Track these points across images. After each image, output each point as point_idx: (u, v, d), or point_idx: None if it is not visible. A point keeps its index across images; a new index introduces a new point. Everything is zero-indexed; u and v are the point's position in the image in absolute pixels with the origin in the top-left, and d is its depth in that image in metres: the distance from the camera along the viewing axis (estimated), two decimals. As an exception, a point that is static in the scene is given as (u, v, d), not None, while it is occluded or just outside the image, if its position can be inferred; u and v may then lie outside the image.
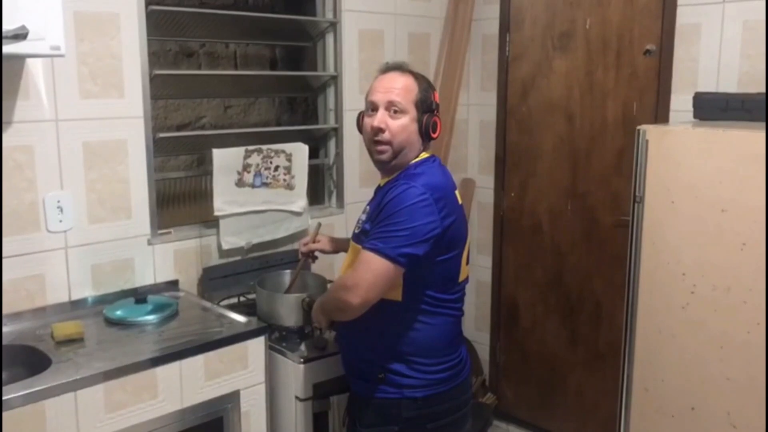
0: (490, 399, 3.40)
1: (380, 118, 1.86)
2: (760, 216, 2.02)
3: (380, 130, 1.85)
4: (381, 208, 1.80)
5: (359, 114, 1.98)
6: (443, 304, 1.89)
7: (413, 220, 1.74)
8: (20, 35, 1.75)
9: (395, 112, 1.85)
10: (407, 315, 1.86)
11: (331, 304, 1.91)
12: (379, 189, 1.98)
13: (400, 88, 1.86)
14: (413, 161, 1.90)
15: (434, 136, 1.91)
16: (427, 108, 1.89)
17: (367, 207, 1.95)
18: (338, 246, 2.36)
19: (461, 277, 1.93)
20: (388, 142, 1.86)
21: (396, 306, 1.85)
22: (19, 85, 2.09)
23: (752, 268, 2.05)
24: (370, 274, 1.74)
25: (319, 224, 2.43)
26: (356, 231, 1.93)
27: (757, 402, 2.08)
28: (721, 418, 2.16)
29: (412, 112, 1.87)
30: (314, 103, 3.08)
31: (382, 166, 1.93)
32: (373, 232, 1.79)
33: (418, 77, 1.92)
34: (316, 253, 2.39)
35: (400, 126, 1.85)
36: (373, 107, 1.89)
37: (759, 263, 2.03)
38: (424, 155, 1.93)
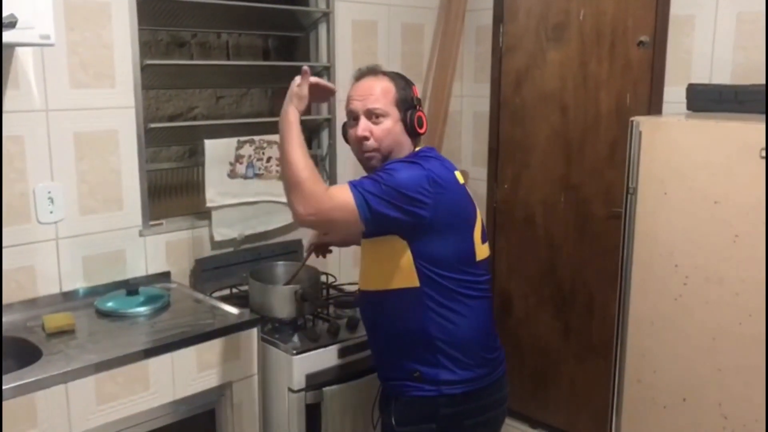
0: (483, 390, 3.41)
1: (363, 126, 1.83)
2: (752, 208, 2.02)
3: (365, 139, 1.84)
4: None
5: (343, 125, 1.96)
6: (465, 287, 1.84)
7: (400, 187, 1.70)
8: (9, 24, 1.73)
9: (377, 117, 1.83)
10: (431, 302, 1.81)
11: (286, 181, 1.74)
12: None
13: (377, 93, 1.84)
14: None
15: (421, 131, 1.89)
16: (408, 105, 1.87)
17: None
18: (347, 239, 2.34)
19: (479, 257, 1.88)
20: (375, 149, 1.84)
21: (416, 292, 1.80)
22: (8, 75, 2.07)
23: (744, 260, 2.05)
24: (333, 201, 1.69)
25: None
26: None
27: (748, 393, 2.09)
28: (713, 408, 2.17)
29: (394, 114, 1.84)
30: (307, 93, 3.06)
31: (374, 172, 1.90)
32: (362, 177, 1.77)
33: (393, 77, 1.89)
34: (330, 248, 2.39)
35: (384, 130, 1.83)
36: (354, 117, 1.87)
37: (751, 255, 2.04)
38: (417, 149, 1.91)
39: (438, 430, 1.84)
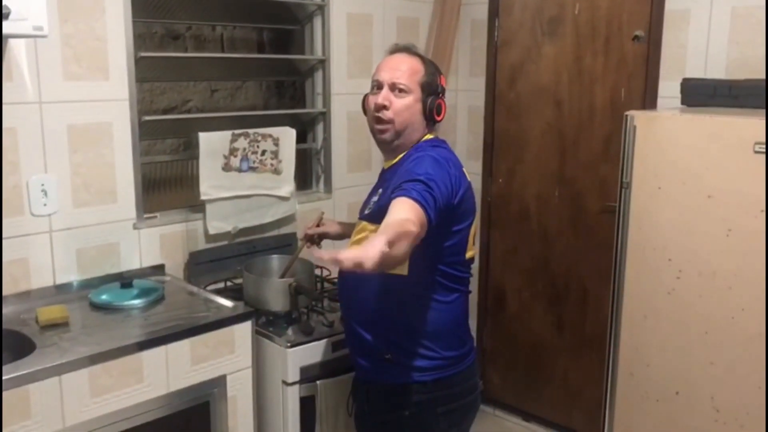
0: (477, 384, 3.42)
1: (384, 95, 1.86)
2: (745, 202, 2.03)
3: (383, 107, 1.85)
4: (400, 179, 1.73)
5: (364, 96, 1.98)
6: (449, 281, 1.86)
7: (435, 178, 1.69)
8: (2, 15, 1.72)
9: (399, 91, 1.86)
10: (415, 291, 1.83)
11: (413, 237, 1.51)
12: (384, 172, 1.97)
13: (405, 69, 1.87)
14: (421, 141, 1.90)
15: (438, 118, 1.92)
16: (432, 90, 1.89)
17: (380, 189, 1.93)
18: (343, 231, 2.34)
19: (468, 254, 1.91)
20: (389, 120, 1.86)
21: (402, 281, 1.81)
22: (1, 66, 2.06)
23: (737, 254, 2.06)
24: (421, 219, 1.56)
25: (323, 213, 2.43)
26: (367, 212, 1.91)
27: (740, 386, 2.10)
28: (705, 402, 2.18)
29: (417, 93, 1.87)
30: (302, 87, 3.06)
31: (384, 146, 1.92)
32: (399, 187, 1.66)
33: (425, 60, 1.93)
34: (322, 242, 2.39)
35: (403, 105, 1.86)
36: (377, 86, 1.89)
37: (744, 249, 2.05)
38: (429, 136, 1.93)
39: (411, 417, 1.86)
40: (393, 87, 1.86)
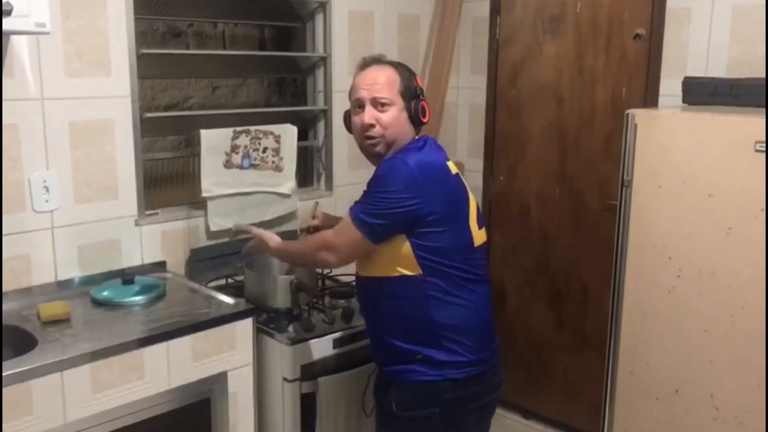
0: (477, 381, 3.42)
1: (369, 113, 1.87)
2: (746, 201, 2.03)
3: (371, 126, 1.87)
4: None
5: (345, 113, 1.99)
6: (467, 274, 1.86)
7: (388, 188, 1.76)
8: (4, 12, 1.73)
9: (382, 105, 1.87)
10: (436, 290, 1.83)
11: (307, 259, 2.06)
12: None
13: (382, 82, 1.87)
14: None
15: (424, 120, 1.93)
16: (412, 95, 1.90)
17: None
18: (336, 223, 2.34)
19: (476, 242, 1.91)
20: (380, 136, 1.87)
21: (419, 280, 1.82)
22: (2, 63, 2.06)
23: (737, 253, 2.06)
24: (347, 239, 1.83)
25: (317, 203, 2.43)
26: None
27: (740, 384, 2.11)
28: (705, 400, 2.18)
29: (399, 103, 1.88)
30: (303, 84, 3.06)
31: (377, 159, 1.92)
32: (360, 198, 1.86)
33: (398, 66, 1.93)
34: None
35: (390, 118, 1.87)
36: (359, 105, 1.90)
37: (744, 247, 2.05)
38: (414, 137, 1.93)
39: (441, 414, 1.86)
40: (375, 103, 1.87)
